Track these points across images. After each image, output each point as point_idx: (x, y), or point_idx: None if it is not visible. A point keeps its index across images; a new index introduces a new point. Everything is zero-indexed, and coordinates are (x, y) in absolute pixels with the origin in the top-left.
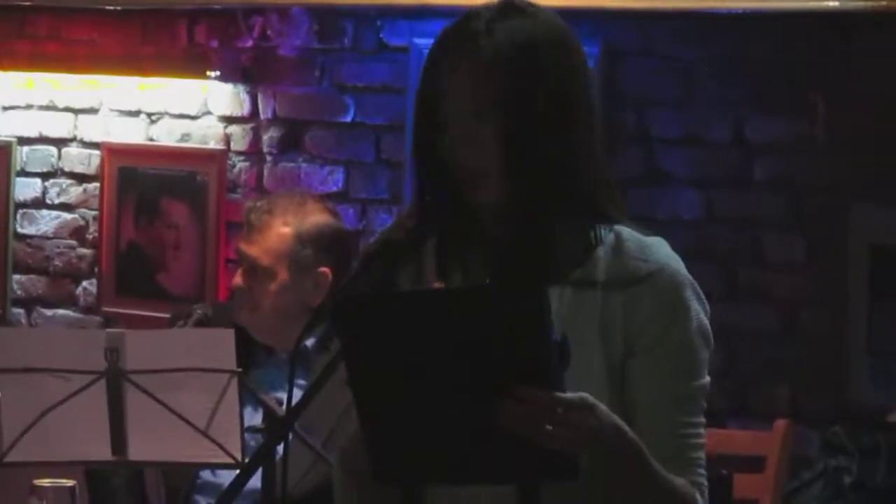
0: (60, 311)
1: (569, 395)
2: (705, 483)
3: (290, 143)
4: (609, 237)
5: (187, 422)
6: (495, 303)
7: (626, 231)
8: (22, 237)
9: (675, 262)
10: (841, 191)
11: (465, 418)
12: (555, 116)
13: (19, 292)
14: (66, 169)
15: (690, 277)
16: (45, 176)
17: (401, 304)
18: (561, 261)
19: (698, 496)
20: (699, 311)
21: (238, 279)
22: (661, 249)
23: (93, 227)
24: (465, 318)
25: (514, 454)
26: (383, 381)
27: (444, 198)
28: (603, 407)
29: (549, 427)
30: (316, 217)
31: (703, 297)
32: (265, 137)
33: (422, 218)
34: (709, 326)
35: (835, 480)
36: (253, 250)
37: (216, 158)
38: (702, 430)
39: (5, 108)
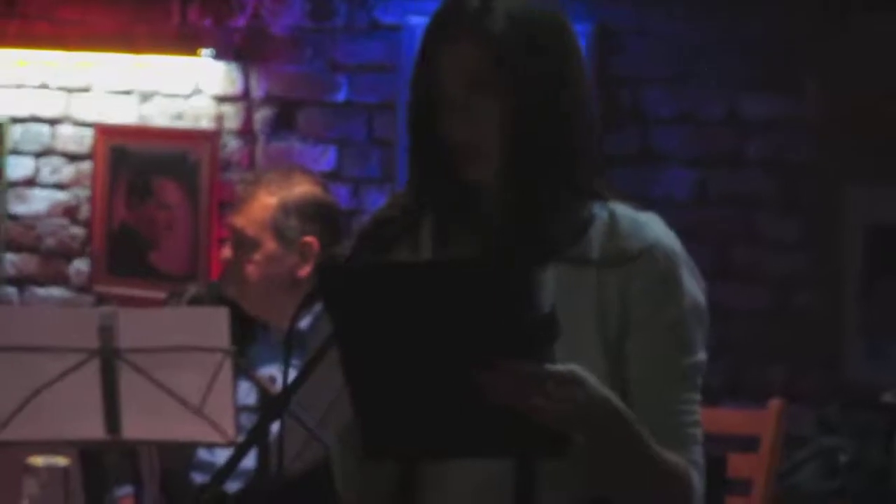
0: (53, 290)
1: (558, 367)
2: (701, 461)
3: (282, 123)
4: (603, 214)
5: (181, 400)
6: (480, 274)
7: (621, 208)
8: (14, 216)
9: (669, 240)
10: (835, 170)
11: (454, 392)
12: (549, 93)
13: (12, 271)
14: (59, 148)
15: (686, 255)
16: (37, 155)
17: (385, 275)
18: (556, 238)
19: (693, 473)
20: (693, 289)
21: (226, 251)
22: (654, 227)
23: (85, 207)
24: (450, 291)
25: (504, 428)
26: (371, 355)
27: (439, 175)
28: (593, 380)
29: (537, 400)
30: (301, 188)
31: (698, 275)
32: (257, 117)
33: (417, 195)
34: (703, 304)
35: (829, 460)
36: (239, 221)
37: (208, 138)
38: (696, 408)
39: None
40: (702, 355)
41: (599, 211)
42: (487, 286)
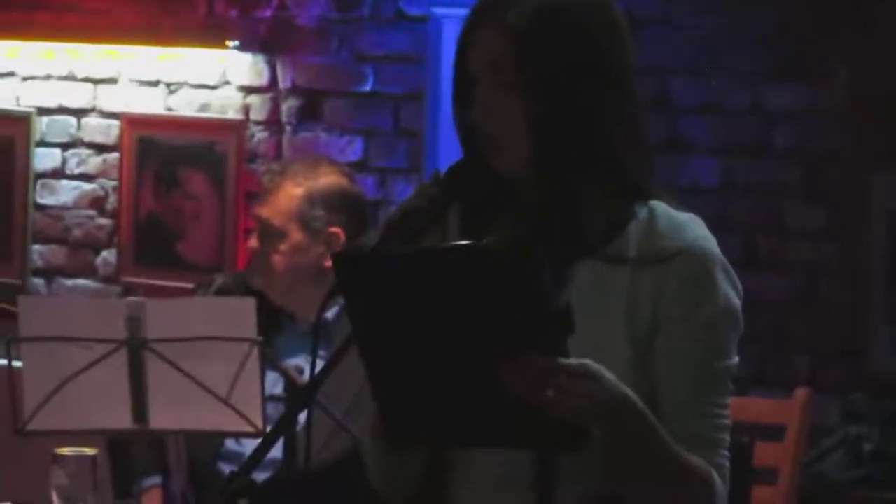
0: (80, 281)
1: (570, 361)
2: (727, 465)
3: (308, 113)
4: (643, 213)
5: (208, 390)
6: (495, 263)
7: (661, 207)
8: (42, 207)
9: (706, 242)
10: (861, 159)
11: (471, 382)
12: (576, 87)
13: (39, 262)
14: (86, 139)
15: (722, 258)
16: (64, 146)
17: (399, 261)
18: (586, 234)
19: (715, 476)
20: (728, 292)
21: (253, 242)
22: (693, 228)
23: (112, 198)
24: (464, 278)
25: (520, 420)
26: (388, 343)
27: (472, 165)
28: (609, 376)
29: (550, 393)
30: (327, 178)
31: (734, 278)
32: (284, 107)
33: (446, 184)
34: (738, 309)
35: (854, 448)
36: (265, 211)
37: (235, 128)
38: (726, 412)
39: (25, 79)
40: (734, 359)
41: (639, 209)
42: (502, 275)
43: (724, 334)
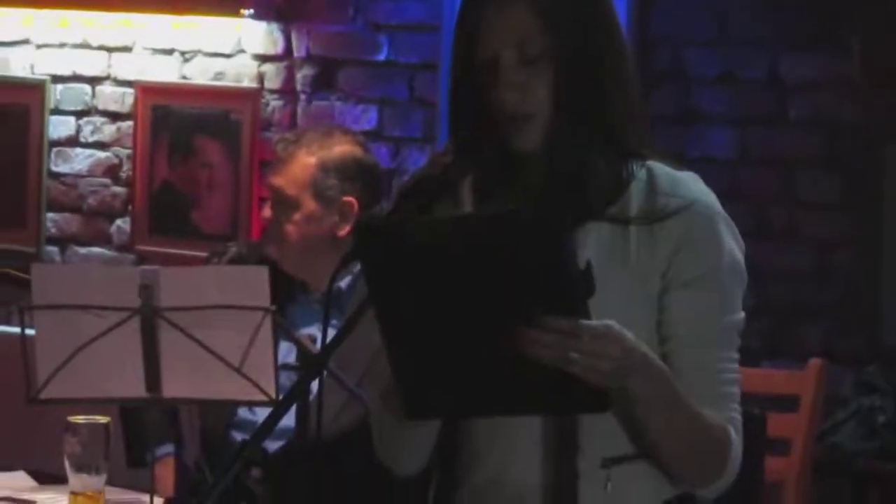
0: (94, 249)
1: (594, 322)
2: (739, 418)
3: (323, 82)
4: (641, 173)
5: (221, 359)
6: (515, 228)
7: (659, 167)
8: (56, 175)
9: (707, 197)
10: (876, 130)
11: (491, 349)
12: (596, 59)
13: (53, 230)
14: (100, 107)
15: (724, 213)
16: (78, 114)
17: (420, 229)
18: (596, 197)
19: (731, 430)
20: (732, 247)
21: (266, 211)
22: (693, 185)
23: (126, 166)
24: (485, 244)
25: (542, 385)
26: (408, 314)
27: (482, 136)
28: (630, 335)
29: (574, 355)
30: (341, 147)
31: (737, 233)
32: (299, 76)
33: (458, 154)
34: (742, 262)
35: (868, 420)
36: (279, 181)
37: (250, 97)
38: (735, 366)
39: (39, 47)
40: (740, 313)
41: (638, 169)
42: (521, 240)
43: (729, 288)
